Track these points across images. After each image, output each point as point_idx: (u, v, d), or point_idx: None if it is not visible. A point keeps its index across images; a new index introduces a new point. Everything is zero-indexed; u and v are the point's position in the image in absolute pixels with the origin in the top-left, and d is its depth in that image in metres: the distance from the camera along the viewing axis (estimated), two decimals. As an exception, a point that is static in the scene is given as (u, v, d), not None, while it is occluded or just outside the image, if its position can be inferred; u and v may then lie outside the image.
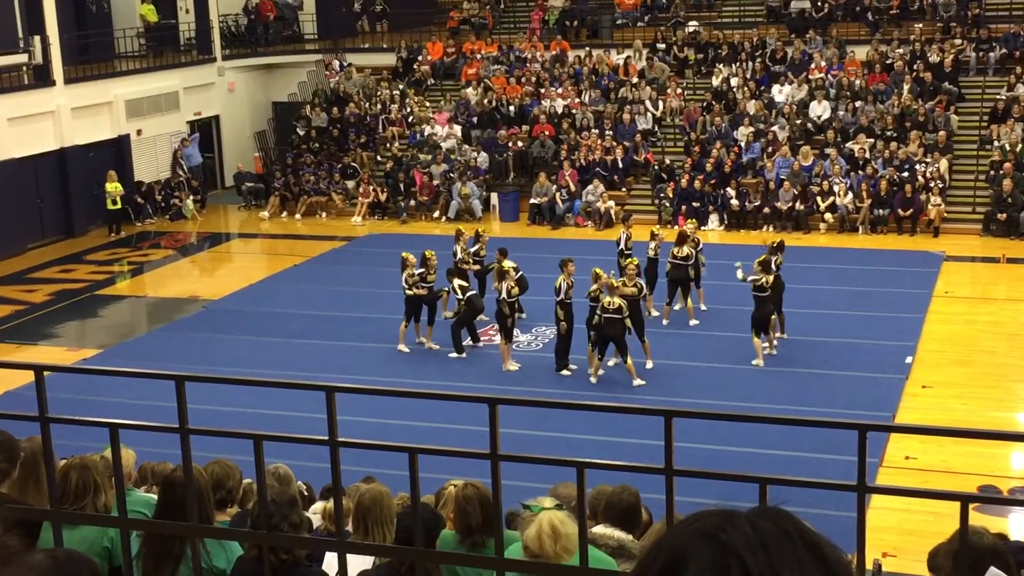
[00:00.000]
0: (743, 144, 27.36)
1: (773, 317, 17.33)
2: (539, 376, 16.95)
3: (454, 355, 17.86)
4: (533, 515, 5.13)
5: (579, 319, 16.68)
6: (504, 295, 17.17)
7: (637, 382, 16.27)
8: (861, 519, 3.17)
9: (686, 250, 18.74)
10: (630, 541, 5.07)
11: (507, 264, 17.81)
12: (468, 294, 18.00)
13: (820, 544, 1.46)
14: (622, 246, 19.28)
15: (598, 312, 16.19)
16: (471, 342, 18.20)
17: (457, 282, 18.10)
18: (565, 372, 16.85)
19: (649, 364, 16.82)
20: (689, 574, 1.42)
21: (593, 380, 16.55)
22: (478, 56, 32.06)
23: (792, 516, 1.48)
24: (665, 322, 18.72)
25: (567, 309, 16.63)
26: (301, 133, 31.23)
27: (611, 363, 16.88)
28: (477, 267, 19.57)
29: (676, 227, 23.70)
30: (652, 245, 19.42)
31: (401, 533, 5.51)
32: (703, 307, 19.23)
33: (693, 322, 18.80)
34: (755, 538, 1.43)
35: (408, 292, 17.93)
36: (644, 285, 17.68)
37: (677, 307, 19.18)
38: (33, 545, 4.26)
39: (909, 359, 17.06)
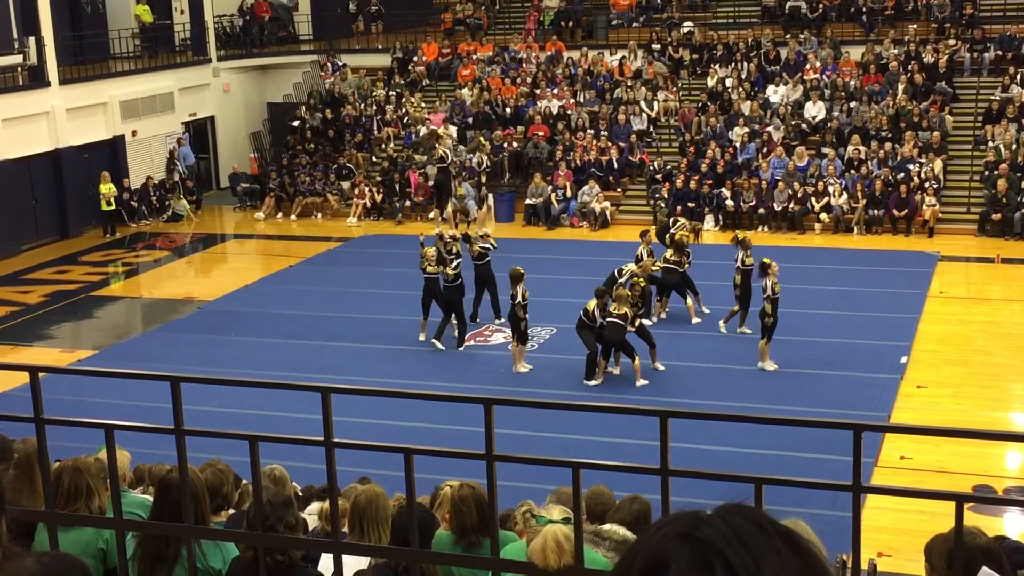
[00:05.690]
0: (738, 145, 27.37)
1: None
2: (535, 377, 16.94)
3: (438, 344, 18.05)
4: (540, 527, 5.13)
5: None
6: (519, 299, 17.18)
7: (640, 383, 16.25)
8: (856, 519, 3.18)
9: (676, 255, 18.80)
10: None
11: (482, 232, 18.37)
12: (455, 284, 18.06)
13: (793, 536, 1.48)
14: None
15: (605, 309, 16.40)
16: (458, 347, 18.16)
17: (456, 257, 18.32)
18: (593, 382, 16.68)
19: (660, 367, 16.84)
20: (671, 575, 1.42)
21: (592, 384, 16.55)
22: (473, 57, 32.05)
23: (761, 511, 1.50)
24: (653, 320, 18.70)
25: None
26: (296, 133, 31.21)
27: (615, 371, 16.86)
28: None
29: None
30: (642, 246, 19.49)
31: (396, 534, 5.51)
32: (705, 310, 19.22)
33: (695, 320, 18.88)
34: (731, 534, 1.44)
35: (429, 268, 18.18)
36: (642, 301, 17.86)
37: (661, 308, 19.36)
38: (28, 547, 4.26)
39: (904, 359, 17.06)
